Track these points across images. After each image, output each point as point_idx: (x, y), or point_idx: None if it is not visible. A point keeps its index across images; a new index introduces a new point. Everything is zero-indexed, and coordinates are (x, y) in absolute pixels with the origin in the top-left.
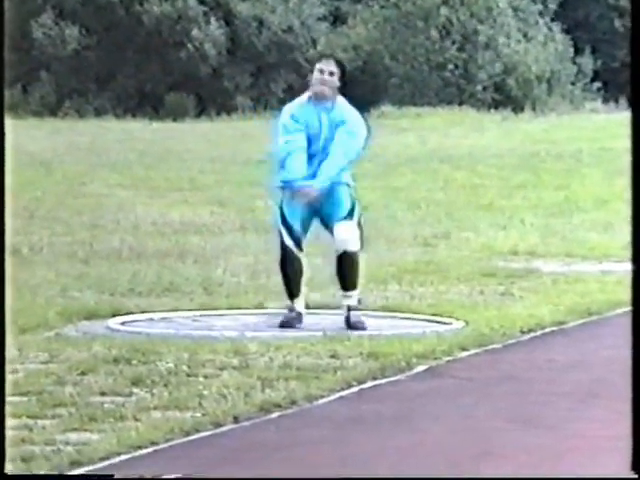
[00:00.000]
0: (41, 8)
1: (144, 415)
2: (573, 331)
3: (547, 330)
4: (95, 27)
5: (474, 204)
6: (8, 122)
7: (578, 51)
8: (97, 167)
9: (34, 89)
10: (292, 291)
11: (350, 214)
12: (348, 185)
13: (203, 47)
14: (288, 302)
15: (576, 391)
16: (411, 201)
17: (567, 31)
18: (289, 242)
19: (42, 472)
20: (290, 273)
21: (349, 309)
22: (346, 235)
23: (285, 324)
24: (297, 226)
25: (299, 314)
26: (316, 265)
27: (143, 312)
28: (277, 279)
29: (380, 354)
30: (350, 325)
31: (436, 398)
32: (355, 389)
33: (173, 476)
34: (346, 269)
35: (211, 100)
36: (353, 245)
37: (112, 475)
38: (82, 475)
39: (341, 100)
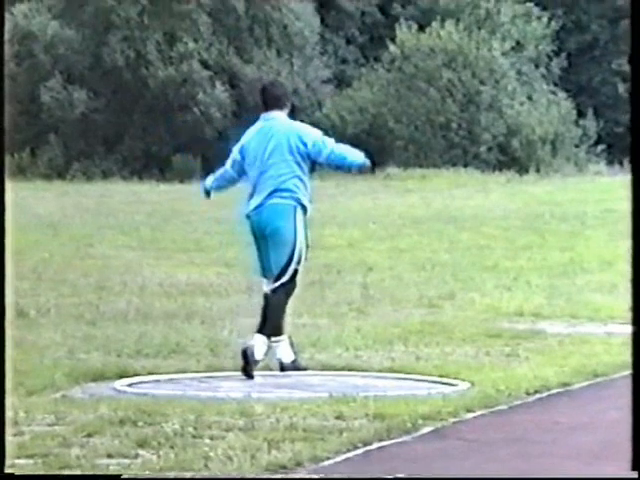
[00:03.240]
0: (49, 73)
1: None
2: (579, 393)
3: (553, 391)
4: (102, 91)
5: (479, 265)
6: (17, 185)
7: (582, 114)
8: (104, 229)
9: (43, 152)
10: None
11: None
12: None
13: (209, 110)
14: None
15: (582, 453)
16: (416, 262)
17: (571, 95)
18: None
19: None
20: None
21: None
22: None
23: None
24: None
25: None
26: (321, 326)
27: (150, 373)
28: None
29: (386, 415)
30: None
31: (442, 459)
32: (361, 450)
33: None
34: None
35: (217, 162)
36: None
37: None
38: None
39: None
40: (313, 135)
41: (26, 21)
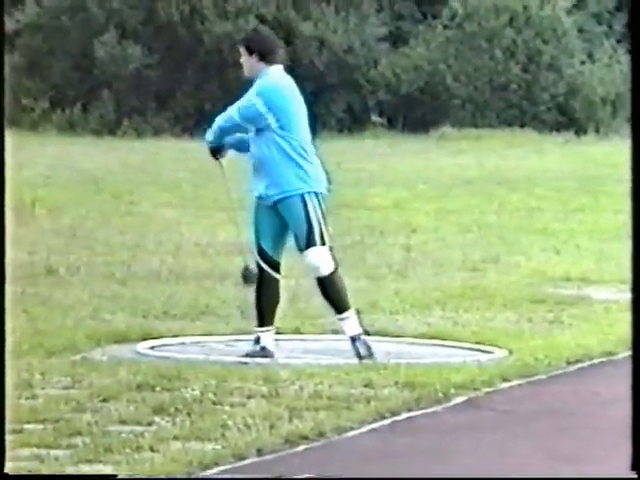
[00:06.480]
0: (104, 27)
1: (162, 446)
2: (623, 362)
3: (595, 361)
4: (156, 46)
5: (528, 228)
6: (66, 140)
7: None
8: (147, 186)
9: (94, 108)
10: (263, 319)
11: (320, 238)
12: (302, 195)
13: None
14: (257, 330)
15: (624, 427)
16: (462, 224)
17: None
18: (262, 264)
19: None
20: (263, 299)
21: (353, 340)
22: (316, 262)
23: (250, 355)
24: (267, 245)
25: (263, 349)
26: (358, 288)
27: (175, 336)
28: (317, 303)
29: (417, 384)
30: (359, 355)
31: (473, 432)
32: (388, 421)
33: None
34: (328, 292)
35: None
36: (325, 269)
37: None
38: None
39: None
40: None
41: None
